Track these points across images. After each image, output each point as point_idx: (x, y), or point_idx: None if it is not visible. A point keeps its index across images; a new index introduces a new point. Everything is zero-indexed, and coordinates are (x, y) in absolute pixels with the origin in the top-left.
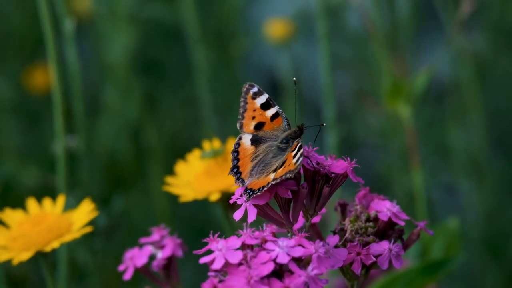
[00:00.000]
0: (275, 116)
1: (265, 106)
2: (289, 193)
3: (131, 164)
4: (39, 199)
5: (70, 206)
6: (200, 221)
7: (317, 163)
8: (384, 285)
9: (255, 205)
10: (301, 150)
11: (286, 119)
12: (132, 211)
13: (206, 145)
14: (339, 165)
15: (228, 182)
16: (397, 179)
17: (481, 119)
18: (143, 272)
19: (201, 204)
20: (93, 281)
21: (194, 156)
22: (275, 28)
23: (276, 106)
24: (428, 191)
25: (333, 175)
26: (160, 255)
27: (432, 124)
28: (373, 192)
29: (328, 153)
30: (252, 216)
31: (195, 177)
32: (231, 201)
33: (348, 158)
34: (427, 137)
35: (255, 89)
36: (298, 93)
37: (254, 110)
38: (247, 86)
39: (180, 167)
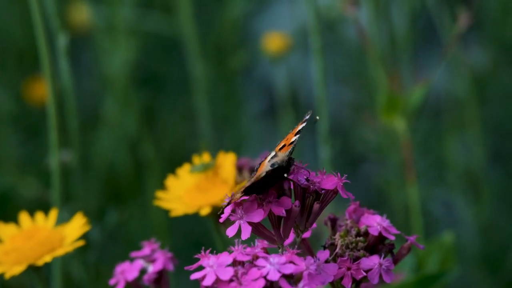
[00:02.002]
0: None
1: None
2: (284, 211)
3: (129, 177)
4: (37, 211)
5: (65, 220)
6: (197, 234)
7: (307, 179)
8: None
9: (249, 222)
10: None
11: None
12: (130, 224)
13: (196, 159)
14: (329, 181)
15: (218, 196)
16: (395, 193)
17: (479, 133)
18: (134, 286)
19: (198, 218)
20: None
21: (184, 171)
22: (273, 42)
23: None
24: (425, 205)
25: (323, 191)
26: (151, 269)
27: (429, 138)
28: (371, 207)
29: (322, 167)
30: (246, 233)
31: (186, 191)
32: (221, 220)
33: (339, 174)
34: (424, 151)
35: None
36: (296, 107)
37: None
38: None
39: (171, 181)
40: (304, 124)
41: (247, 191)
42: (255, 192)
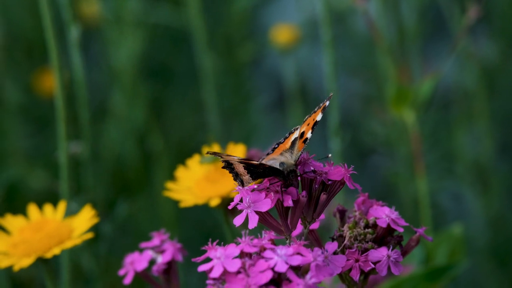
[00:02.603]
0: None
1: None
2: (291, 201)
3: (138, 169)
4: (46, 204)
5: (74, 211)
6: (208, 226)
7: (314, 171)
8: None
9: (256, 212)
10: None
11: None
12: (139, 216)
13: (206, 150)
14: (337, 172)
15: (228, 187)
16: (403, 186)
17: (488, 125)
18: (143, 277)
19: (208, 209)
20: (97, 286)
21: (194, 161)
22: (282, 34)
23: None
24: (434, 197)
25: (330, 182)
26: (160, 259)
27: (438, 130)
28: (380, 200)
29: (333, 159)
30: (253, 222)
31: (195, 182)
32: (229, 207)
33: (346, 165)
34: (433, 143)
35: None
36: (305, 98)
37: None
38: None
39: (181, 172)
40: (322, 111)
41: (252, 170)
42: (257, 174)
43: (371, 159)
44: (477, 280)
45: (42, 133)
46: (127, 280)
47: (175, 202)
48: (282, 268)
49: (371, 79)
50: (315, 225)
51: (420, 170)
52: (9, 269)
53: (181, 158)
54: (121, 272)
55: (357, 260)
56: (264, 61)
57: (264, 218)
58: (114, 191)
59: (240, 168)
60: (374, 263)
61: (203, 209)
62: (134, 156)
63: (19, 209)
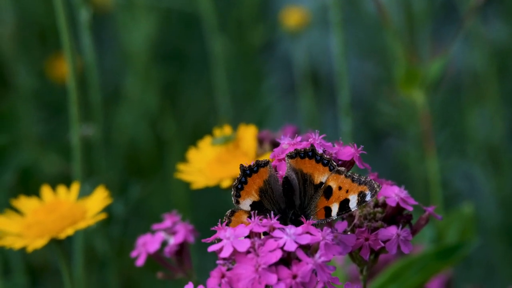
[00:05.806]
0: None
1: None
2: None
3: (151, 153)
4: (59, 186)
5: (87, 194)
6: (220, 211)
7: (324, 151)
8: (399, 270)
9: None
10: None
11: None
12: (153, 200)
13: (217, 132)
14: (346, 152)
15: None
16: (416, 166)
17: (498, 106)
18: (155, 258)
19: (221, 194)
20: (111, 268)
21: (206, 143)
22: (292, 17)
23: None
24: (447, 179)
25: (339, 162)
26: (172, 241)
27: (450, 112)
28: (393, 180)
29: (344, 140)
30: None
31: (207, 164)
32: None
33: (355, 145)
34: (445, 124)
35: None
36: (317, 81)
37: None
38: None
39: (192, 154)
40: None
41: None
42: None
43: (385, 143)
44: (490, 261)
45: (55, 118)
46: (140, 262)
47: (188, 186)
48: (291, 247)
49: (382, 61)
50: None
51: (431, 149)
52: (24, 253)
53: (194, 141)
54: (134, 253)
55: (367, 239)
56: (277, 47)
57: None
58: (127, 174)
59: None
60: (384, 242)
61: (215, 193)
62: (147, 140)
63: (33, 193)
